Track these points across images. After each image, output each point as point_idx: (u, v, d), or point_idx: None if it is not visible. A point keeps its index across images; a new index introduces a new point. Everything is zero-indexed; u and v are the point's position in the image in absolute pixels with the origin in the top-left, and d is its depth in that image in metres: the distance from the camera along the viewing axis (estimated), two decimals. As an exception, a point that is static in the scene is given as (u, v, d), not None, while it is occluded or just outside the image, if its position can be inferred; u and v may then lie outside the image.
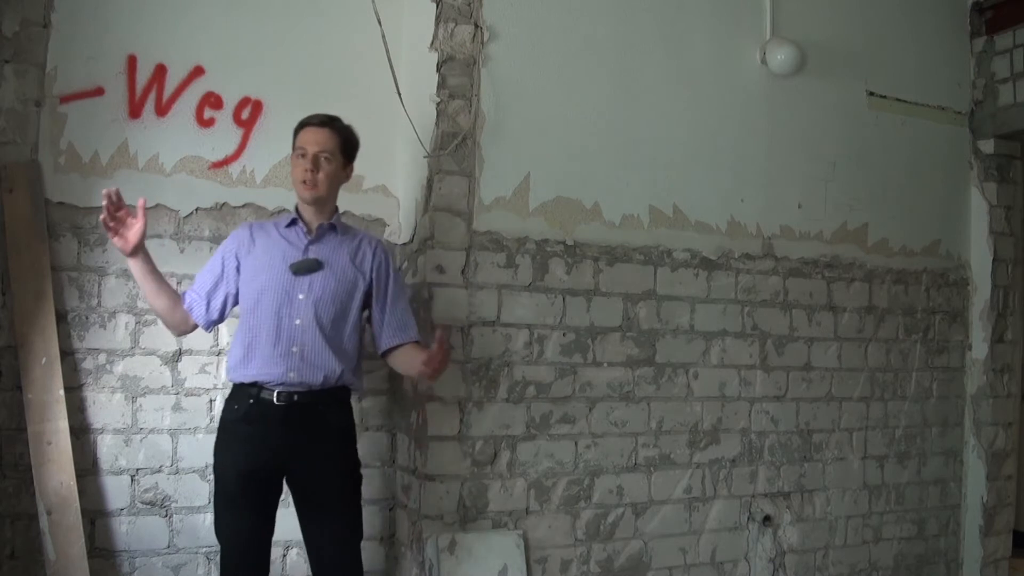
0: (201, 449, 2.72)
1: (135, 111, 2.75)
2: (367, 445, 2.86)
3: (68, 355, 2.64)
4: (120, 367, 2.70)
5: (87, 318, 2.68)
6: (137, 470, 2.70)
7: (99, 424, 2.68)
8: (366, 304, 2.52)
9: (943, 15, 3.93)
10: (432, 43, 2.89)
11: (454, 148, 2.84)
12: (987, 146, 3.93)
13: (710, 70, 3.31)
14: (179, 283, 2.74)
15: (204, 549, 2.73)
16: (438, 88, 2.85)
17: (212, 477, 2.45)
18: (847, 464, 3.57)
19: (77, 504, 2.53)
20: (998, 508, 3.87)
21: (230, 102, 2.87)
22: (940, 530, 3.82)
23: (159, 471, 2.72)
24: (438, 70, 2.85)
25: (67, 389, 2.58)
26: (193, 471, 2.75)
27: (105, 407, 2.68)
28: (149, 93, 2.77)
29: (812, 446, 3.49)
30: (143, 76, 2.76)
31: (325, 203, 2.49)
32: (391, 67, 2.85)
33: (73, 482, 2.53)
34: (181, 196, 2.79)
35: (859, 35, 3.66)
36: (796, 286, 3.47)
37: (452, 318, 2.81)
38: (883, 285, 3.69)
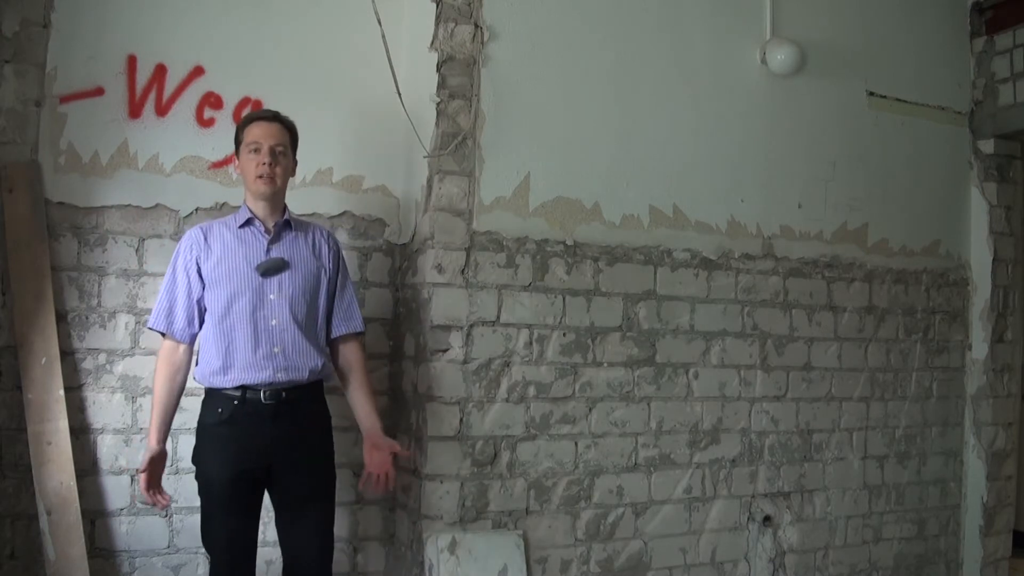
0: (200, 449, 2.72)
1: (135, 111, 2.75)
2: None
3: (68, 355, 2.63)
4: (120, 367, 2.70)
5: (87, 318, 2.68)
6: (137, 470, 2.70)
7: (99, 424, 2.67)
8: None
9: (943, 15, 3.94)
10: (432, 43, 2.89)
11: (454, 148, 2.84)
12: (987, 146, 3.93)
13: (710, 70, 3.31)
14: (179, 283, 2.75)
15: (204, 549, 2.72)
16: (438, 88, 2.85)
17: (197, 484, 2.43)
18: (847, 464, 3.57)
19: (77, 504, 2.52)
20: (998, 508, 3.86)
21: (230, 102, 2.86)
22: (940, 530, 3.82)
23: (159, 471, 2.72)
24: (438, 70, 2.85)
25: (67, 389, 2.58)
26: (193, 471, 2.74)
27: (105, 407, 2.68)
28: (149, 93, 2.77)
29: (812, 446, 3.49)
30: (143, 76, 2.76)
31: (279, 198, 2.49)
32: (391, 67, 2.85)
33: (73, 482, 2.53)
34: (181, 196, 2.79)
35: (859, 35, 3.66)
36: (796, 286, 3.47)
37: (452, 318, 2.81)
38: (883, 285, 3.69)
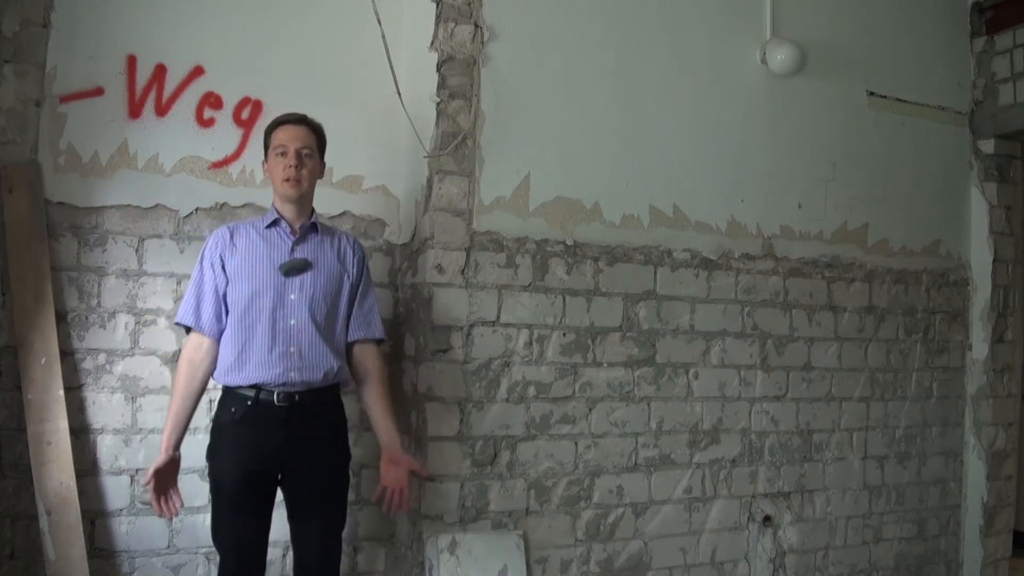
0: (201, 449, 2.69)
1: (135, 111, 2.75)
2: (367, 445, 2.86)
3: (68, 355, 2.63)
4: (120, 367, 2.70)
5: (87, 318, 2.68)
6: (137, 470, 2.70)
7: (99, 424, 2.67)
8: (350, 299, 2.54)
9: (943, 15, 3.93)
10: (432, 43, 2.89)
11: (454, 148, 2.84)
12: (987, 146, 3.93)
13: (710, 70, 3.31)
14: (179, 283, 2.75)
15: (204, 549, 2.72)
16: (438, 88, 2.85)
17: (208, 481, 2.45)
18: (847, 464, 3.57)
19: (77, 504, 2.52)
20: (998, 508, 3.86)
21: (230, 102, 2.86)
22: (940, 530, 3.82)
23: (159, 471, 2.72)
24: (438, 70, 2.85)
25: (67, 389, 2.58)
26: (193, 471, 2.74)
27: (105, 407, 2.68)
28: (149, 93, 2.77)
29: (812, 446, 3.49)
30: (143, 76, 2.76)
31: (306, 200, 2.50)
32: (391, 67, 2.85)
33: (73, 482, 2.53)
34: (181, 196, 2.79)
35: (859, 35, 3.66)
36: (796, 286, 3.47)
37: (452, 318, 2.81)
38: (883, 285, 3.69)
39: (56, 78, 2.66)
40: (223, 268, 2.42)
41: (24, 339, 2.54)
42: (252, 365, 2.35)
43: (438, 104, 2.84)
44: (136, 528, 2.69)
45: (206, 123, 2.84)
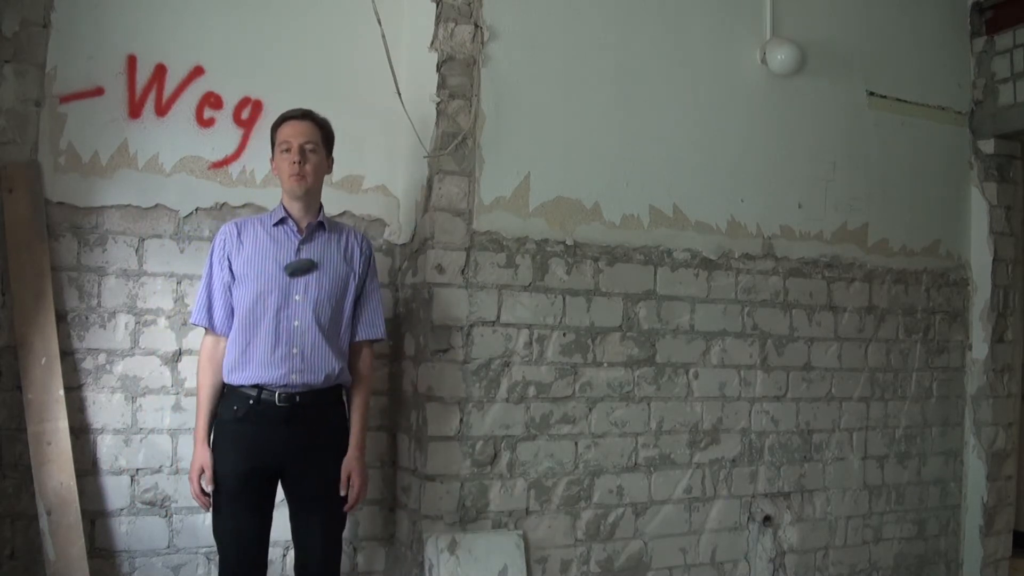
0: (201, 449, 2.72)
1: (135, 111, 2.75)
2: (368, 445, 2.85)
3: (68, 355, 2.63)
4: (120, 367, 2.70)
5: (87, 318, 2.68)
6: (137, 470, 2.70)
7: (99, 424, 2.67)
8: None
9: (943, 15, 3.94)
10: (432, 43, 2.89)
11: (454, 148, 2.84)
12: (987, 146, 3.93)
13: (710, 70, 3.31)
14: (179, 283, 2.75)
15: (204, 549, 2.72)
16: (438, 88, 2.85)
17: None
18: (847, 464, 3.57)
19: (77, 504, 2.52)
20: (998, 508, 3.87)
21: (230, 102, 2.86)
22: (940, 530, 3.82)
23: (159, 471, 2.72)
24: (438, 70, 2.85)
25: (67, 389, 2.58)
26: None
27: (105, 407, 2.68)
28: (149, 93, 2.77)
29: (812, 446, 3.49)
30: (143, 76, 2.76)
31: (313, 197, 2.50)
32: (391, 67, 2.85)
33: (73, 482, 2.53)
34: (181, 196, 2.79)
35: (859, 35, 3.67)
36: (796, 286, 3.47)
37: (452, 318, 2.81)
38: (883, 285, 3.69)
39: (56, 78, 2.65)
40: (230, 268, 2.43)
41: (24, 339, 2.54)
42: (255, 365, 2.36)
43: (438, 104, 2.84)
44: (136, 528, 2.69)
45: (206, 123, 2.83)
